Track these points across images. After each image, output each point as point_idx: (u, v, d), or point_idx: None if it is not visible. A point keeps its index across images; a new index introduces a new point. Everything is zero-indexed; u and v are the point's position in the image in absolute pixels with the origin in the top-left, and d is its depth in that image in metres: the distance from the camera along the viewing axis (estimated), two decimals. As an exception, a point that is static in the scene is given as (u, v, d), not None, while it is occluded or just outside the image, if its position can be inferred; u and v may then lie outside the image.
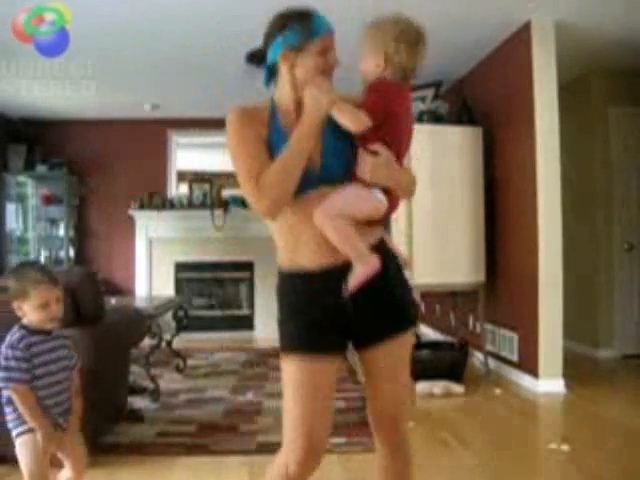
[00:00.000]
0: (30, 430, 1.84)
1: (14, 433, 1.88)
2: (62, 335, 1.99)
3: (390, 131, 1.47)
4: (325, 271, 1.47)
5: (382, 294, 1.53)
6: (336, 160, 1.48)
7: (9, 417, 1.88)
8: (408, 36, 1.55)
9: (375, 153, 1.44)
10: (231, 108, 1.50)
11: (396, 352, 1.56)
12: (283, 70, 1.51)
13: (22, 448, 1.87)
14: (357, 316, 1.51)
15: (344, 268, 1.45)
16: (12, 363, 1.81)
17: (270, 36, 1.52)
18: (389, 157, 1.45)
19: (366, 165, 1.43)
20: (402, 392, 1.63)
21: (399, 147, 1.50)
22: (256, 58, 1.56)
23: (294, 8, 1.54)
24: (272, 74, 1.55)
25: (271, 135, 1.49)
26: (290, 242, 1.50)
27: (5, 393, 1.85)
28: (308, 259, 1.48)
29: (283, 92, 1.53)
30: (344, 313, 1.49)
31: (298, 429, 1.46)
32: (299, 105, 1.50)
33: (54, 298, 1.89)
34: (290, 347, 1.50)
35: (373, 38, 1.57)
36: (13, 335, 1.86)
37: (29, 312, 1.86)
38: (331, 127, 1.49)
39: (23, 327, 1.88)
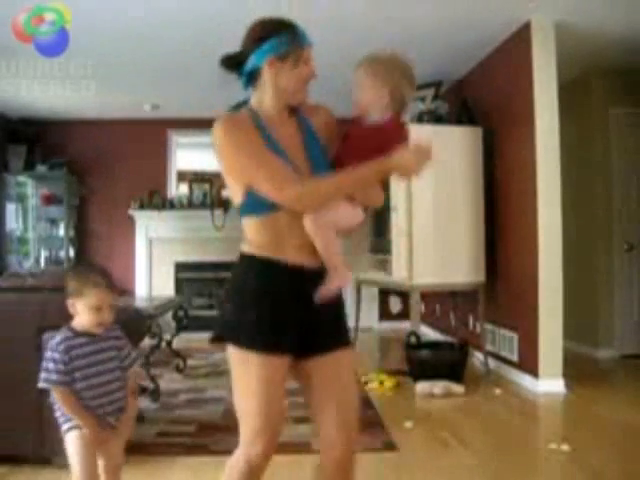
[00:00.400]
0: (77, 426, 1.88)
1: (62, 429, 1.93)
2: (114, 336, 2.01)
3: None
4: (304, 270, 1.55)
5: (337, 308, 1.64)
6: (323, 174, 1.56)
7: (57, 414, 1.94)
8: (408, 72, 1.66)
9: None
10: (218, 119, 1.54)
11: (344, 362, 1.62)
12: (267, 77, 1.55)
13: (70, 444, 1.91)
14: (315, 322, 1.57)
15: (318, 272, 1.55)
16: (50, 365, 1.86)
17: (254, 42, 1.55)
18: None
19: (367, 189, 1.57)
20: (352, 404, 1.63)
21: None
22: (232, 62, 1.59)
23: (277, 17, 1.60)
24: (252, 79, 1.58)
25: (265, 138, 1.53)
26: (276, 238, 1.54)
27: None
28: (292, 256, 1.54)
29: (265, 98, 1.58)
30: (308, 317, 1.56)
31: (260, 423, 1.51)
32: (281, 112, 1.58)
33: (107, 303, 1.93)
34: (253, 343, 1.51)
35: (376, 73, 1.62)
36: (55, 338, 1.90)
37: (81, 312, 1.90)
38: (315, 143, 1.59)
39: (69, 329, 1.92)
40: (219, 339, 1.58)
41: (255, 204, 1.54)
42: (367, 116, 1.62)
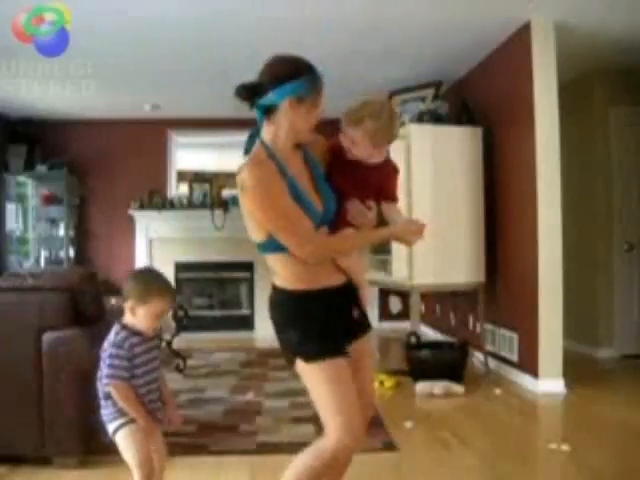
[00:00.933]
0: (131, 421, 1.94)
1: (113, 426, 1.96)
2: (157, 335, 2.12)
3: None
4: (341, 287, 1.81)
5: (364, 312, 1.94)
6: (332, 206, 1.76)
7: (106, 411, 1.98)
8: (391, 115, 1.79)
9: (370, 207, 1.81)
10: (247, 165, 1.64)
11: (368, 341, 1.94)
12: (284, 115, 1.66)
13: (125, 439, 1.95)
14: (355, 323, 1.87)
15: (350, 285, 1.83)
16: (116, 362, 1.92)
17: (276, 80, 1.64)
18: (376, 212, 1.84)
19: (365, 217, 1.79)
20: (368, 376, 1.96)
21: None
22: (249, 93, 1.65)
23: (297, 57, 1.71)
24: (267, 112, 1.68)
25: (288, 183, 1.65)
26: (311, 269, 1.72)
27: (106, 388, 1.95)
28: (326, 282, 1.77)
29: (280, 135, 1.69)
30: (353, 324, 1.85)
31: (347, 418, 1.65)
32: (291, 147, 1.72)
33: (166, 311, 2.05)
34: (321, 353, 1.70)
35: (366, 131, 1.73)
36: (117, 335, 1.96)
37: (141, 317, 1.98)
38: (320, 174, 1.77)
39: (124, 327, 1.98)
40: (291, 361, 1.76)
41: (278, 245, 1.68)
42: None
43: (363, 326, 1.90)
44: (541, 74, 4.01)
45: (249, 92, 1.65)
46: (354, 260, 1.83)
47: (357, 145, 1.74)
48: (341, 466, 1.77)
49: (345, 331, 1.81)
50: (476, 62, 4.96)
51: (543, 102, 4.01)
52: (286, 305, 1.79)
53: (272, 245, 1.69)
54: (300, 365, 1.73)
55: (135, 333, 1.98)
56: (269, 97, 1.64)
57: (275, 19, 4.00)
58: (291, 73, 1.64)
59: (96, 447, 2.84)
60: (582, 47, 4.50)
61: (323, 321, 1.75)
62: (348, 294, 1.84)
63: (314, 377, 1.71)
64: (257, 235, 1.71)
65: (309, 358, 1.71)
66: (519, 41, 4.19)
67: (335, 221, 1.77)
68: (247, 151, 1.73)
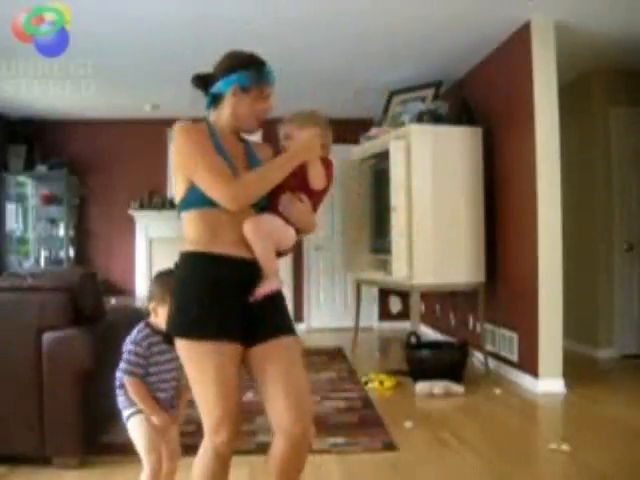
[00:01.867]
0: (140, 411, 2.04)
1: (125, 414, 2.08)
2: None
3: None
4: (242, 260, 1.68)
5: (276, 300, 1.75)
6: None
7: (120, 399, 2.09)
8: (324, 120, 1.89)
9: (301, 200, 1.79)
10: (180, 122, 1.72)
11: (286, 347, 1.71)
12: (228, 102, 1.77)
13: (134, 429, 2.07)
14: (256, 312, 1.69)
15: (254, 262, 1.69)
16: (132, 357, 2.03)
17: (225, 70, 1.76)
18: (309, 207, 1.81)
19: (294, 208, 1.76)
20: (302, 383, 1.71)
21: (317, 200, 1.87)
22: (201, 82, 1.81)
23: (250, 53, 1.80)
24: (215, 100, 1.79)
25: (215, 144, 1.71)
26: (215, 233, 1.67)
27: (122, 377, 2.06)
28: (231, 249, 1.67)
29: (222, 118, 1.78)
30: (249, 305, 1.68)
31: (221, 411, 1.61)
32: (232, 134, 1.80)
33: None
34: (204, 332, 1.61)
35: (320, 129, 1.84)
36: (139, 332, 2.07)
37: (162, 316, 2.02)
38: (257, 164, 1.78)
39: (148, 325, 2.09)
40: (170, 339, 1.69)
41: (196, 199, 1.67)
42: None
43: (278, 325, 1.73)
44: (541, 74, 4.01)
45: (202, 81, 1.81)
46: (262, 244, 1.70)
47: (290, 139, 1.83)
48: (227, 465, 1.72)
49: (244, 314, 1.66)
50: (476, 62, 4.96)
51: (543, 102, 4.01)
52: (178, 269, 1.72)
53: (191, 199, 1.68)
54: (179, 344, 1.65)
55: (157, 333, 2.06)
56: (217, 86, 1.77)
57: (275, 20, 4.00)
58: (238, 64, 1.76)
59: (96, 447, 2.85)
60: (582, 47, 4.50)
61: (211, 292, 1.63)
62: (250, 272, 1.69)
63: (193, 358, 1.63)
64: (179, 192, 1.71)
65: (190, 334, 1.62)
66: (519, 41, 4.19)
67: (265, 210, 1.78)
68: None
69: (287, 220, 1.77)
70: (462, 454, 2.89)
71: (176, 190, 1.73)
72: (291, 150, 1.77)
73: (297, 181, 1.78)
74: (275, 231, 1.75)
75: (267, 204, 1.76)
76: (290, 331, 1.74)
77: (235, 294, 1.66)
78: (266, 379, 1.67)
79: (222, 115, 1.78)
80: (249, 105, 1.76)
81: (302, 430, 1.63)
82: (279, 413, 1.64)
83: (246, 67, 1.76)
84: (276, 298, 1.74)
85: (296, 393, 1.64)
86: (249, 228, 1.69)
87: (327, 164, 1.83)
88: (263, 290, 1.69)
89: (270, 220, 1.75)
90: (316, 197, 1.84)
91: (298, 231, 1.83)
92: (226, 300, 1.65)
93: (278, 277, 1.75)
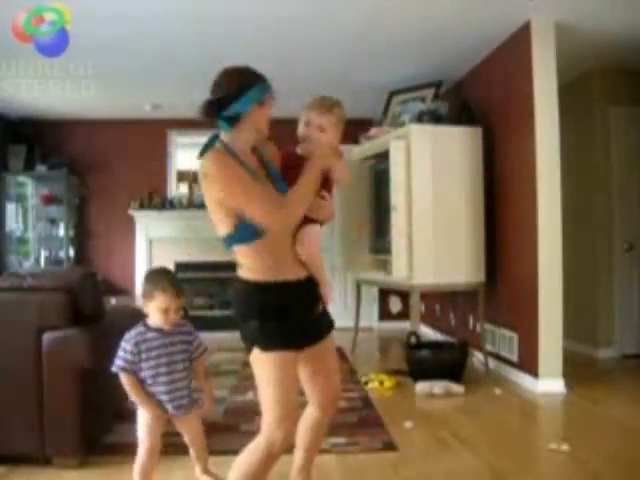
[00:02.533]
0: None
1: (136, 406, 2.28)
2: (184, 331, 2.34)
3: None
4: (303, 281, 1.91)
5: (324, 308, 2.04)
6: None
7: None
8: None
9: (324, 197, 1.94)
10: (208, 155, 1.79)
11: (331, 343, 2.06)
12: (249, 120, 1.82)
13: (139, 418, 2.27)
14: (316, 320, 1.98)
15: (312, 281, 1.94)
16: (121, 353, 2.19)
17: (239, 90, 1.79)
18: (331, 201, 1.98)
19: (320, 208, 1.92)
20: (338, 373, 2.12)
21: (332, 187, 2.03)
22: (214, 108, 1.81)
23: (246, 66, 1.86)
24: (233, 121, 1.82)
25: (249, 171, 1.78)
26: (276, 262, 1.84)
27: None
28: (290, 274, 1.87)
29: (242, 138, 1.83)
30: (315, 322, 1.96)
31: (283, 410, 1.79)
32: (254, 148, 1.88)
33: (174, 307, 2.23)
34: (276, 345, 1.81)
35: (338, 117, 1.97)
36: (134, 329, 2.23)
37: (151, 312, 2.21)
38: (278, 175, 1.89)
39: (144, 324, 2.25)
40: (249, 349, 1.87)
41: (249, 235, 1.77)
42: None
43: (325, 325, 2.00)
44: (541, 74, 4.01)
45: (214, 108, 1.81)
46: (314, 254, 1.93)
47: (325, 132, 1.93)
48: (272, 465, 1.86)
49: (305, 327, 1.90)
50: (476, 62, 4.96)
51: (543, 102, 4.01)
52: (249, 295, 1.86)
53: (239, 236, 1.79)
54: (255, 353, 1.84)
55: (154, 329, 2.22)
56: (233, 107, 1.79)
57: (275, 20, 3.99)
58: (249, 82, 1.81)
59: (96, 447, 2.85)
60: (582, 47, 4.50)
61: (283, 312, 1.84)
62: (310, 289, 1.93)
63: (264, 366, 1.82)
64: (223, 227, 1.79)
65: (265, 347, 1.81)
66: (519, 41, 4.19)
67: None
68: (202, 154, 1.84)
69: (314, 220, 1.92)
70: (462, 454, 2.89)
71: (218, 224, 1.81)
72: (314, 163, 1.87)
73: (321, 182, 1.91)
74: (315, 240, 1.94)
75: None
76: (332, 326, 2.04)
77: (301, 310, 1.90)
78: (316, 370, 2.00)
79: (242, 134, 1.83)
80: (265, 116, 1.86)
81: (335, 409, 2.10)
82: (322, 394, 2.03)
83: (255, 81, 1.82)
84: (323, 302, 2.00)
85: (336, 382, 2.07)
86: (302, 252, 1.89)
87: (339, 155, 1.96)
88: (327, 300, 1.98)
89: (308, 233, 1.91)
90: (331, 179, 1.96)
91: (321, 223, 1.98)
92: (295, 318, 1.86)
93: (331, 285, 2.01)
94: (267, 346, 1.81)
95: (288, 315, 1.84)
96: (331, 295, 2.00)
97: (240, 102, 1.79)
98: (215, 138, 1.85)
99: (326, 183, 1.94)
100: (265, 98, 1.84)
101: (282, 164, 1.95)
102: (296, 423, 1.89)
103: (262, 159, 1.91)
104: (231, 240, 1.81)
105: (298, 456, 2.14)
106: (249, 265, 1.84)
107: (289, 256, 1.88)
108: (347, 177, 1.98)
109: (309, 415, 2.08)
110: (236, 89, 1.79)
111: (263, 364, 1.83)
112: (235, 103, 1.79)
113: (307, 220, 1.89)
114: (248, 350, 1.88)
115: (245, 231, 1.77)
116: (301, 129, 1.95)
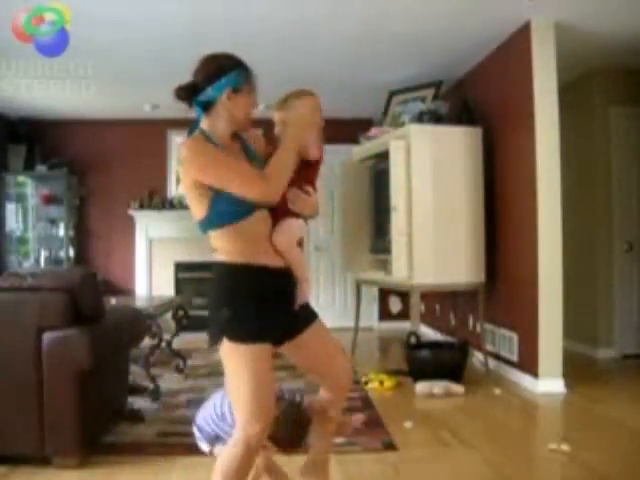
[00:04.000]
0: None
1: None
2: None
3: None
4: (280, 270, 1.84)
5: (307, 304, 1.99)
6: None
7: None
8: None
9: (308, 192, 1.90)
10: (186, 142, 1.76)
11: (319, 328, 1.98)
12: (223, 107, 1.78)
13: None
14: (292, 313, 1.90)
15: (290, 273, 1.87)
16: None
17: (212, 76, 1.77)
18: (314, 195, 1.92)
19: (302, 201, 1.87)
20: (335, 346, 2.05)
21: (314, 174, 1.97)
22: (187, 93, 1.79)
23: (228, 53, 1.84)
24: (206, 108, 1.80)
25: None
26: (255, 244, 1.79)
27: None
28: (267, 257, 1.81)
29: (219, 124, 1.80)
30: (290, 316, 1.88)
31: (257, 405, 1.75)
32: (229, 137, 1.83)
33: None
34: (251, 337, 1.74)
35: (299, 104, 1.93)
36: None
37: None
38: (260, 164, 1.83)
39: None
40: (216, 339, 1.79)
41: (224, 214, 1.74)
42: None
43: (304, 318, 1.94)
44: (541, 74, 4.01)
45: (188, 92, 1.79)
46: (291, 246, 1.87)
47: (292, 125, 1.87)
48: (253, 460, 1.86)
49: (281, 319, 1.84)
50: (476, 62, 4.96)
51: (543, 102, 4.01)
52: (224, 279, 1.82)
53: (213, 219, 1.75)
54: (225, 346, 1.76)
55: None
56: (207, 93, 1.77)
57: (275, 20, 3.99)
58: (225, 68, 1.78)
59: (96, 447, 2.85)
60: (582, 47, 4.50)
61: (258, 301, 1.78)
62: (287, 280, 1.87)
63: (235, 360, 1.76)
64: (198, 211, 1.76)
65: (235, 338, 1.74)
66: (519, 41, 4.19)
67: (276, 210, 1.84)
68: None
69: (298, 215, 1.87)
70: (462, 454, 2.89)
71: (194, 209, 1.77)
72: (288, 132, 1.84)
73: (295, 171, 1.84)
74: (296, 233, 1.88)
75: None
76: (315, 316, 1.98)
77: (277, 301, 1.83)
78: (318, 356, 1.97)
79: (218, 122, 1.80)
80: (243, 105, 1.80)
81: (347, 389, 2.10)
82: (336, 375, 2.00)
83: (232, 68, 1.79)
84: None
85: (341, 362, 2.02)
86: (279, 241, 1.82)
87: (316, 129, 1.92)
88: (304, 297, 1.90)
89: (289, 225, 1.85)
90: (313, 170, 1.92)
91: (305, 218, 1.93)
92: (271, 308, 1.80)
93: (308, 281, 1.92)
94: (239, 336, 1.74)
95: (264, 304, 1.78)
96: (309, 292, 1.92)
97: (213, 87, 1.77)
98: (195, 126, 1.83)
99: (309, 177, 1.91)
100: (242, 86, 1.79)
101: (267, 154, 1.92)
102: (270, 413, 1.80)
103: (244, 144, 1.88)
104: (205, 226, 1.78)
105: (311, 450, 2.14)
106: (225, 247, 1.79)
107: (267, 244, 1.82)
108: (319, 153, 1.91)
109: (328, 391, 2.05)
110: (211, 74, 1.78)
111: (236, 357, 1.76)
112: (209, 88, 1.77)
113: (291, 214, 1.87)
114: (213, 341, 1.81)
115: (219, 212, 1.73)
116: (275, 131, 1.95)
